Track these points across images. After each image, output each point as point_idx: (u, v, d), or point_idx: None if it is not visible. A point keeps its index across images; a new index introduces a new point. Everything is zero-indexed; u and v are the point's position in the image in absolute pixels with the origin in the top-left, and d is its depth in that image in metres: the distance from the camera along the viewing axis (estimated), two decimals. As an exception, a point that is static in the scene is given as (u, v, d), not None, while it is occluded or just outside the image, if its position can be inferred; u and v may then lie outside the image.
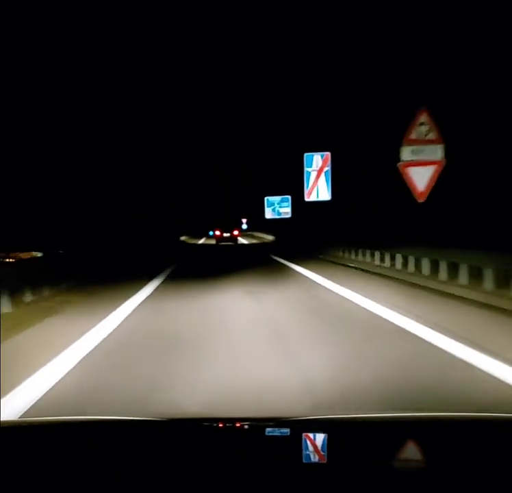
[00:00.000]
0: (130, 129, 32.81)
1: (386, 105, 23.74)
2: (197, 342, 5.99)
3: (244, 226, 69.34)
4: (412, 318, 6.98)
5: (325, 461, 1.34)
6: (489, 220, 17.51)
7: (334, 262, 17.91)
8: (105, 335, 6.45)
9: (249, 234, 66.17)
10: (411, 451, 1.44)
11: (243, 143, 53.59)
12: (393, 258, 14.08)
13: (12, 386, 4.33)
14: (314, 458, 1.38)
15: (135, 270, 15.85)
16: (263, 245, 41.14)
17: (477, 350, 5.19)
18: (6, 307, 8.25)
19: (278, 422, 1.75)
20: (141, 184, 35.81)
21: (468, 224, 17.07)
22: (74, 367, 5.01)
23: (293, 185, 38.87)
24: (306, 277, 13.43)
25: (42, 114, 26.28)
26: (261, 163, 52.27)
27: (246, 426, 1.72)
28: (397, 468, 1.28)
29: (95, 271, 13.53)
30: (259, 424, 1.74)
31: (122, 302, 9.00)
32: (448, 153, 11.44)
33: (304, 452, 1.41)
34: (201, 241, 58.90)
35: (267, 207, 41.47)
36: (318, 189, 26.04)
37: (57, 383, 4.52)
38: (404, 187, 23.76)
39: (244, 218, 69.10)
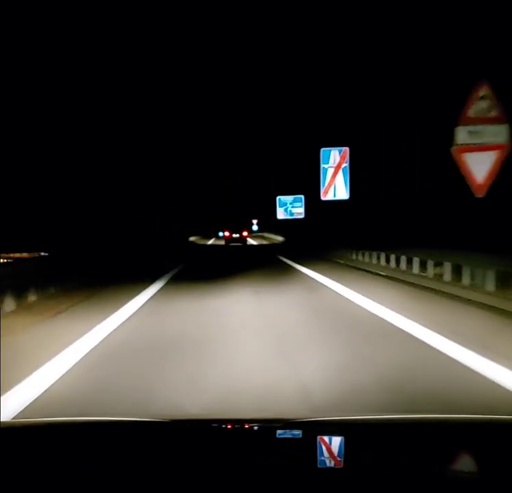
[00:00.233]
0: (130, 129, 32.58)
1: (410, 94, 22.13)
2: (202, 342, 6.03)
3: (255, 228, 69.33)
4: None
5: (329, 463, 1.33)
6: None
7: (356, 268, 16.06)
8: (104, 335, 6.38)
9: (260, 235, 65.24)
10: (419, 453, 1.37)
11: (253, 141, 52.95)
12: (423, 264, 12.07)
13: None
14: (317, 460, 1.34)
15: (139, 270, 15.62)
16: (273, 247, 39.72)
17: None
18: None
19: (281, 423, 1.76)
20: (141, 184, 35.33)
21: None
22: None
23: (307, 184, 37.34)
24: (322, 284, 12.12)
25: (42, 114, 26.24)
26: (273, 162, 51.11)
27: (248, 428, 1.70)
28: (400, 470, 1.27)
29: (94, 272, 13.17)
30: (261, 425, 1.72)
31: (125, 302, 8.81)
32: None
33: (306, 453, 1.38)
34: (210, 242, 58.83)
35: (279, 207, 39.36)
36: (335, 187, 24.07)
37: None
38: (427, 184, 21.87)
39: (254, 219, 69.23)
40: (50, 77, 25.99)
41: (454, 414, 2.64)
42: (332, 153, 24.05)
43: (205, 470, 1.24)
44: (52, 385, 4.49)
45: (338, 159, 23.96)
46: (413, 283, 11.29)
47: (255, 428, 1.69)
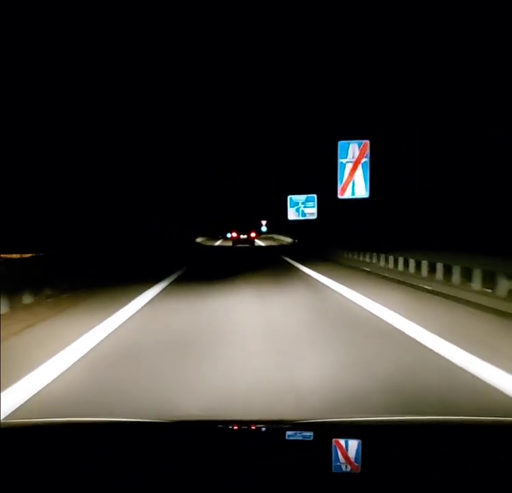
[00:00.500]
0: (130, 129, 32.38)
1: (434, 79, 20.28)
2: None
3: (264, 229, 68.63)
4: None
5: (331, 465, 1.31)
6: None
7: (380, 276, 13.73)
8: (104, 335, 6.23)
9: (269, 237, 63.87)
10: (424, 455, 1.36)
11: (262, 138, 52.02)
12: (448, 271, 10.33)
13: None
14: (319, 461, 1.34)
15: (140, 271, 15.45)
16: (280, 248, 37.58)
17: None
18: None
19: (283, 424, 1.76)
20: (141, 184, 34.74)
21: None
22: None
23: (320, 183, 35.24)
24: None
25: (43, 114, 26.06)
26: (285, 159, 49.39)
27: (249, 429, 1.70)
28: (399, 471, 1.26)
29: (89, 272, 12.65)
30: (263, 426, 1.72)
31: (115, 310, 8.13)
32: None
33: (308, 455, 1.37)
34: (218, 243, 57.60)
35: (291, 207, 36.95)
36: (354, 184, 21.75)
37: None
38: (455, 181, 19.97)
39: (263, 220, 68.80)
40: (51, 78, 25.96)
41: (455, 416, 2.58)
42: (351, 146, 21.73)
43: (205, 472, 1.23)
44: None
45: (357, 153, 21.64)
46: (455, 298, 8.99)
47: (256, 429, 1.68)
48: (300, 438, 1.56)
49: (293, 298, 9.55)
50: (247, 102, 47.97)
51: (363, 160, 21.65)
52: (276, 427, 1.68)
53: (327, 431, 1.59)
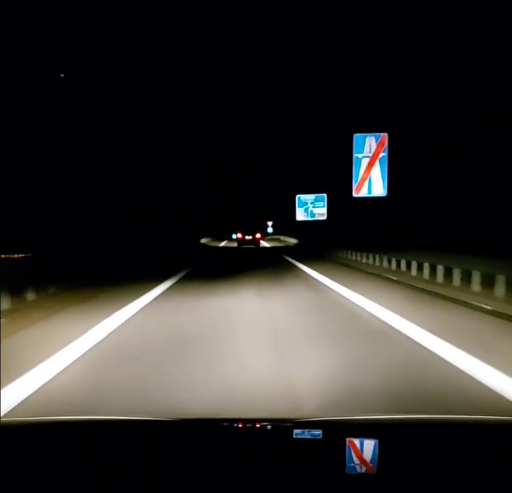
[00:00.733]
0: (130, 129, 32.30)
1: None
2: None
3: (270, 230, 67.77)
4: None
5: (330, 463, 1.31)
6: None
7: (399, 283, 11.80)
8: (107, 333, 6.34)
9: (276, 238, 62.64)
10: (419, 454, 1.36)
11: (266, 137, 51.41)
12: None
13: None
14: (319, 459, 1.32)
15: (140, 272, 15.40)
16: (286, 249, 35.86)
17: None
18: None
19: (285, 423, 1.77)
20: (141, 184, 34.55)
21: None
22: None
23: (328, 181, 33.41)
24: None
25: (42, 114, 25.83)
26: (291, 158, 47.94)
27: (250, 427, 1.68)
28: (404, 470, 1.25)
29: (82, 274, 12.44)
30: (264, 424, 1.72)
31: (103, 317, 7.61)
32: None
33: (309, 453, 1.37)
34: (222, 244, 56.98)
35: (299, 207, 34.85)
36: (371, 181, 19.77)
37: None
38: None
39: (269, 220, 68.12)
40: (51, 78, 25.89)
41: (453, 415, 2.50)
42: (367, 139, 19.75)
43: (208, 471, 1.22)
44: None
45: (374, 147, 19.66)
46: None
47: (259, 427, 1.67)
48: (305, 436, 1.53)
49: (289, 292, 10.51)
50: (248, 99, 48.00)
51: (381, 155, 19.66)
52: (279, 425, 1.67)
53: (331, 430, 1.57)
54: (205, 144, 52.61)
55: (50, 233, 24.12)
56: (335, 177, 32.46)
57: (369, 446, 1.41)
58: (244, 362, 4.90)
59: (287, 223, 49.72)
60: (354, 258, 18.33)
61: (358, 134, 19.88)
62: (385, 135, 19.72)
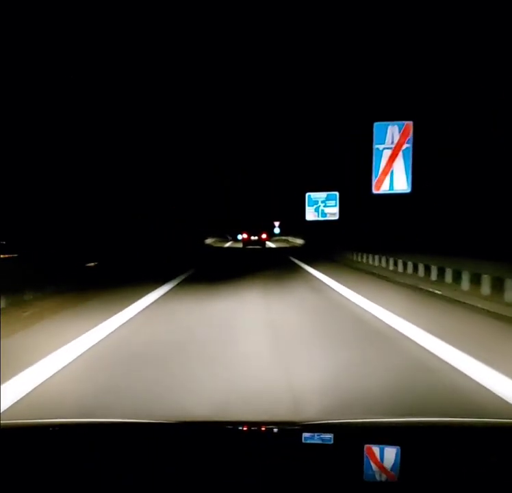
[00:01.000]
0: (130, 129, 32.08)
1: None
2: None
3: (276, 230, 66.98)
4: None
5: (332, 466, 1.30)
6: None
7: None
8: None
9: (283, 239, 61.45)
10: (418, 457, 1.37)
11: (271, 134, 50.70)
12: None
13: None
14: (321, 462, 1.32)
15: (140, 272, 14.95)
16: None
17: None
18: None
19: (286, 425, 1.76)
20: (141, 184, 34.27)
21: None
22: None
23: (341, 179, 31.33)
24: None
25: (42, 114, 25.49)
26: (299, 156, 46.23)
27: (251, 430, 1.66)
28: (399, 473, 1.27)
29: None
30: (264, 427, 1.70)
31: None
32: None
33: (311, 456, 1.36)
34: (228, 244, 56.58)
35: (309, 206, 32.52)
36: (393, 175, 17.48)
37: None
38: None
39: (276, 221, 67.50)
40: (51, 78, 25.53)
41: (454, 418, 2.54)
42: (389, 129, 17.47)
43: (208, 475, 1.21)
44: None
45: (397, 137, 17.38)
46: None
47: (257, 430, 1.65)
48: (307, 440, 1.51)
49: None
50: (249, 94, 47.29)
51: (405, 146, 17.38)
52: (281, 428, 1.65)
53: (335, 433, 1.56)
54: (205, 144, 52.13)
55: (45, 232, 23.54)
56: (348, 174, 30.40)
57: (374, 450, 1.38)
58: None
59: (295, 223, 48.28)
60: (376, 264, 16.08)
61: (379, 123, 17.60)
62: (409, 124, 17.43)
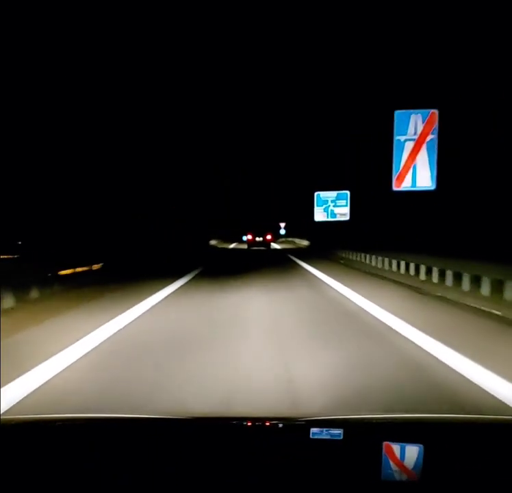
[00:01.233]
0: (130, 129, 31.87)
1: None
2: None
3: (282, 232, 66.17)
4: None
5: (333, 462, 1.30)
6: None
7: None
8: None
9: (290, 240, 60.44)
10: (419, 453, 1.36)
11: (274, 132, 49.94)
12: None
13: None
14: (321, 458, 1.31)
15: (139, 273, 14.66)
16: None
17: None
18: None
19: (287, 421, 1.75)
20: (141, 184, 34.05)
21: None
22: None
23: (352, 177, 29.58)
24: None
25: (42, 114, 25.41)
26: (308, 155, 45.04)
27: (252, 426, 1.65)
28: (400, 470, 1.25)
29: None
30: (266, 423, 1.69)
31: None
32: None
33: (311, 452, 1.36)
34: (232, 245, 55.91)
35: (318, 206, 30.58)
36: (416, 170, 15.54)
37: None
38: None
39: (282, 222, 66.62)
40: (51, 78, 25.44)
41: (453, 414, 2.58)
42: (412, 118, 15.52)
43: (211, 471, 1.20)
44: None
45: (421, 127, 15.43)
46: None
47: (259, 426, 1.64)
48: (306, 435, 1.51)
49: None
50: (251, 95, 47.78)
51: (430, 137, 15.43)
52: (281, 424, 1.65)
53: (339, 428, 1.56)
54: (205, 143, 51.62)
55: (46, 233, 23.69)
56: (358, 172, 28.66)
57: (375, 446, 1.37)
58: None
59: (303, 225, 47.07)
60: (394, 269, 14.15)
61: (400, 111, 15.64)
62: (434, 112, 15.47)
